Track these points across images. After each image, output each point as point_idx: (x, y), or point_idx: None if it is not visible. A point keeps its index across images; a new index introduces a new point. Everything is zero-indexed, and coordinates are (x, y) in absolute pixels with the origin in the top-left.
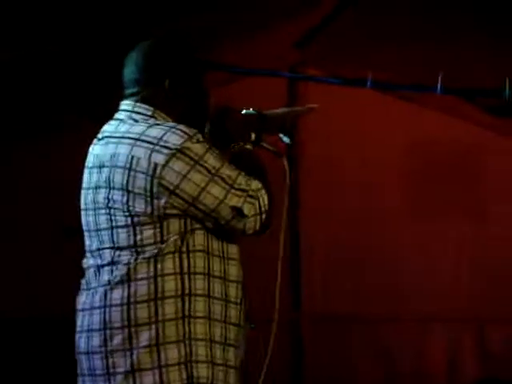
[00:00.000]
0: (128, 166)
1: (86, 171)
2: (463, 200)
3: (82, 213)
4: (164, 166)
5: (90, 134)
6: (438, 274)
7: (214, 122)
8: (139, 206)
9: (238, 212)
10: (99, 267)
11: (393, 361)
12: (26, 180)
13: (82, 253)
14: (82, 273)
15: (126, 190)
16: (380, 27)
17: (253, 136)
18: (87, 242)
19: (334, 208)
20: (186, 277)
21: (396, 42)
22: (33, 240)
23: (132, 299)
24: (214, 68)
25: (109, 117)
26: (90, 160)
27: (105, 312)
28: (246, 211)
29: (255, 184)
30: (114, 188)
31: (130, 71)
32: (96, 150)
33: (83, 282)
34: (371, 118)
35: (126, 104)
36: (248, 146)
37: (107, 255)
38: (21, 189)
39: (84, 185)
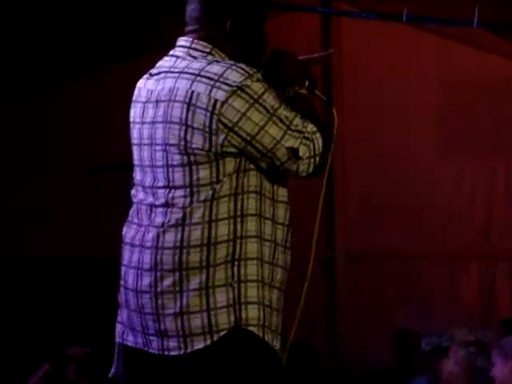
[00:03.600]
0: (187, 100)
1: (137, 105)
2: (496, 137)
3: (135, 147)
4: (224, 102)
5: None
6: (470, 211)
7: (270, 64)
8: (197, 141)
9: (293, 153)
10: (152, 206)
11: (426, 297)
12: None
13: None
14: (129, 204)
15: (185, 124)
16: None
17: (306, 82)
18: (138, 177)
19: (369, 146)
20: (239, 220)
21: None
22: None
23: (185, 243)
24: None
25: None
26: (143, 95)
27: (156, 253)
28: (301, 153)
29: (311, 127)
30: (171, 122)
31: (192, 9)
32: (150, 85)
33: (133, 215)
34: (404, 53)
35: (183, 40)
36: (303, 91)
37: (161, 195)
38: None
39: (136, 119)
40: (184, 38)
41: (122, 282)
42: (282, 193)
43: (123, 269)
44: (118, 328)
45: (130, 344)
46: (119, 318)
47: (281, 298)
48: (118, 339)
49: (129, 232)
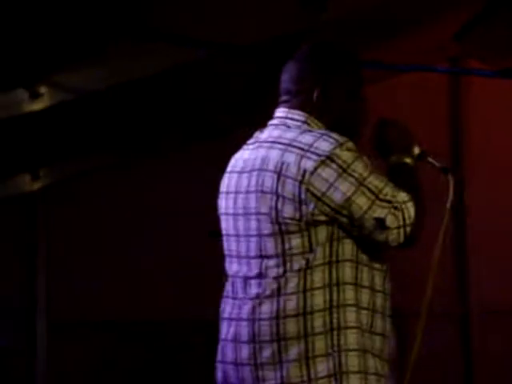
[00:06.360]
0: (278, 170)
1: (232, 175)
2: None
3: (229, 217)
4: (313, 172)
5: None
6: None
7: (377, 131)
8: (288, 211)
9: (380, 223)
10: (247, 278)
11: None
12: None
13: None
14: (225, 277)
15: (276, 193)
16: None
17: (416, 150)
18: (233, 247)
19: (499, 205)
20: (335, 288)
21: None
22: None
23: (281, 314)
24: (370, 67)
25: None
26: (239, 165)
27: (253, 325)
28: (388, 223)
29: (402, 196)
30: (263, 192)
31: (284, 80)
32: (246, 155)
33: (228, 289)
34: None
35: (279, 111)
36: (407, 160)
37: (255, 265)
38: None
39: (231, 188)
40: (280, 108)
41: (219, 358)
42: (379, 261)
43: (221, 343)
44: None
45: None
46: None
47: (384, 366)
48: None
49: (226, 307)
